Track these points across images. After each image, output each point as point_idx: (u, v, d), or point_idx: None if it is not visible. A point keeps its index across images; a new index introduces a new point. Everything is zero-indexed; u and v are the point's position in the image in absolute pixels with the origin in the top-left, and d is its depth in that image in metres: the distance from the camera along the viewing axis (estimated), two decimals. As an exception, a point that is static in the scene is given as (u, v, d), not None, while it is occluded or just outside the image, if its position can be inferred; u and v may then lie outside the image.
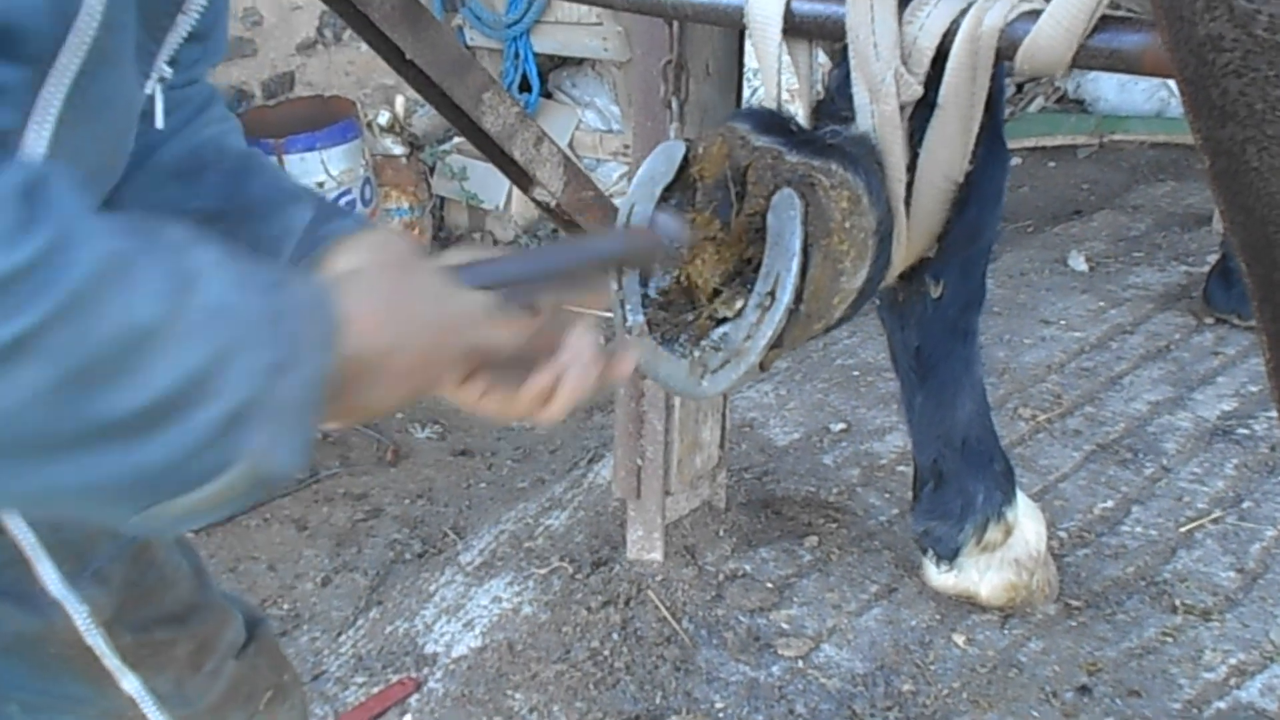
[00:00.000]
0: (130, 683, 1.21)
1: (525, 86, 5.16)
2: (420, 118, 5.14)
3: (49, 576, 1.13)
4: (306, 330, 0.71)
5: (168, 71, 0.97)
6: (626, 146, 4.89)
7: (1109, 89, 5.74)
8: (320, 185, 4.33)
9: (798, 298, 1.30)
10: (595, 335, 0.98)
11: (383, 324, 0.78)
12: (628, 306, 1.44)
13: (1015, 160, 5.47)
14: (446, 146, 5.15)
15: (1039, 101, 6.01)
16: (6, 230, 0.58)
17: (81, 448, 0.63)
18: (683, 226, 1.25)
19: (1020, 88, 6.04)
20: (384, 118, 4.81)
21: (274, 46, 4.73)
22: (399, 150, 4.88)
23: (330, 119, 4.40)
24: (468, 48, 5.30)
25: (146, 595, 1.23)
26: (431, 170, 5.14)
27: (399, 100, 4.89)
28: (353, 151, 4.43)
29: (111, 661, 1.19)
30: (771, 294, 1.31)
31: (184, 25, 0.94)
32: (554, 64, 5.33)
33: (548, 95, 5.30)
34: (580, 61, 5.22)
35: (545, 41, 5.06)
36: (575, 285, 0.99)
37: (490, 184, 4.98)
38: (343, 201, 4.42)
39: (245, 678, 1.36)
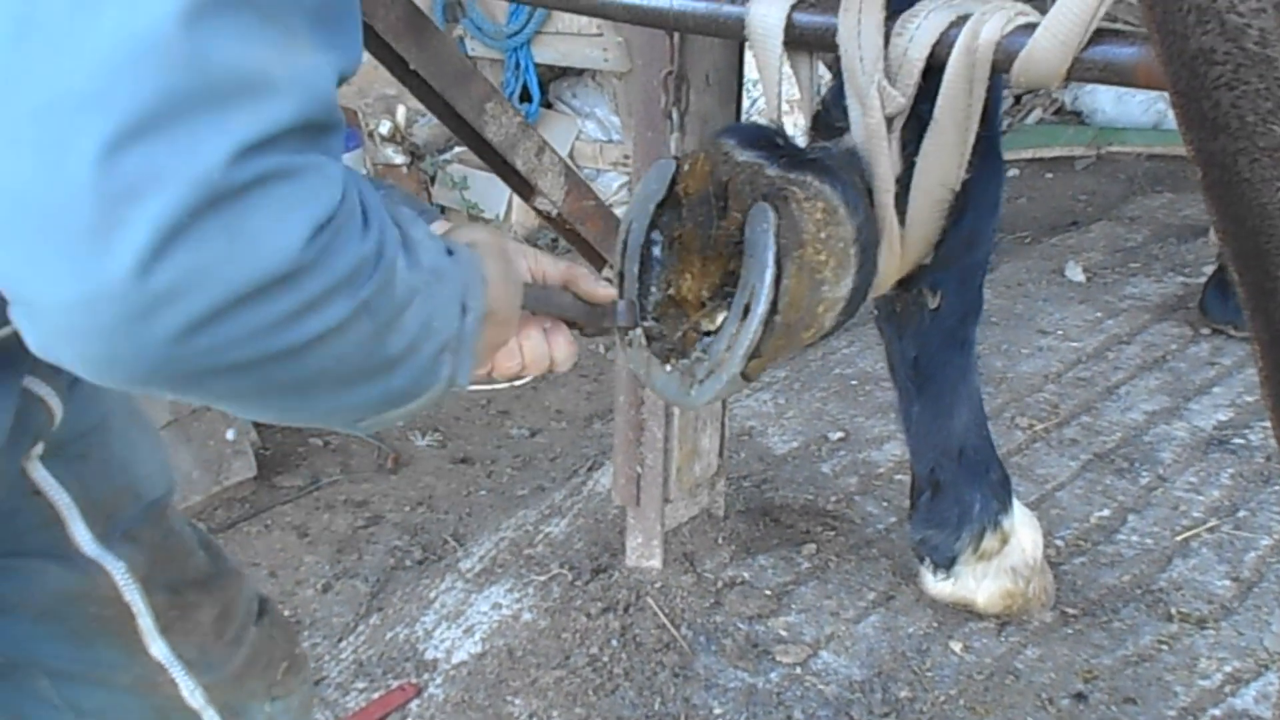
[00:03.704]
0: (159, 648, 1.26)
1: (526, 97, 5.18)
2: (421, 127, 5.17)
3: (82, 537, 1.18)
4: (473, 284, 0.98)
5: None
6: (626, 157, 4.91)
7: (1106, 101, 5.77)
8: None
9: (773, 308, 1.34)
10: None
11: (501, 290, 1.03)
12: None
13: (1013, 172, 5.50)
14: (447, 156, 5.18)
15: (1037, 113, 6.05)
16: (358, 228, 0.79)
17: (366, 380, 0.85)
18: (632, 316, 1.35)
19: (1018, 99, 6.08)
20: (385, 127, 4.85)
21: (276, 56, 4.75)
22: (400, 159, 4.91)
23: (331, 128, 4.42)
24: (469, 58, 5.34)
25: (172, 557, 1.29)
26: (432, 180, 5.17)
27: (400, 110, 4.91)
28: (353, 160, 4.46)
29: (145, 620, 1.24)
30: (747, 306, 1.35)
31: None
32: (554, 74, 5.36)
33: (548, 105, 5.33)
34: (581, 72, 5.25)
35: (546, 52, 5.09)
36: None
37: (491, 194, 5.00)
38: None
39: (264, 646, 1.41)
